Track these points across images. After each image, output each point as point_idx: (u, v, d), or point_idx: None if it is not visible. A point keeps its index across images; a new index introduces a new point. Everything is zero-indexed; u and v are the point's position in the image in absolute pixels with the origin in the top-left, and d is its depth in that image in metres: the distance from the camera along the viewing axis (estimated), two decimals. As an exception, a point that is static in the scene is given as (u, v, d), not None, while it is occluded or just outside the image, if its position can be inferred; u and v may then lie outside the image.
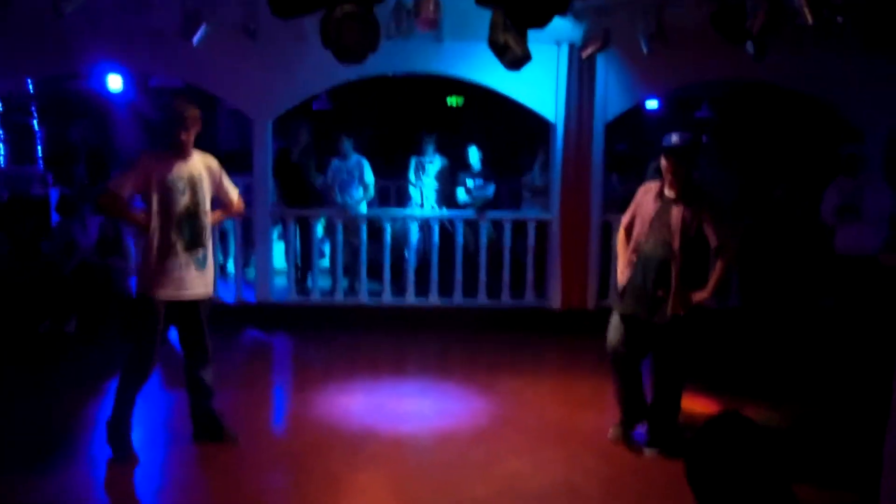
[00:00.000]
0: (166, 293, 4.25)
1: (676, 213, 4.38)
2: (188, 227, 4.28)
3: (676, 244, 4.36)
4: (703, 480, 1.81)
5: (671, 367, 4.54)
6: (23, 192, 9.45)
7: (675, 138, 4.39)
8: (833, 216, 6.58)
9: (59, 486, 4.10)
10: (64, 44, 6.76)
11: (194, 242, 4.30)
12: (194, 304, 4.37)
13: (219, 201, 4.58)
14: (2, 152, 10.94)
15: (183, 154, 4.30)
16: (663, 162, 4.42)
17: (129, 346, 4.35)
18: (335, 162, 7.86)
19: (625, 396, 4.68)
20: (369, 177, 7.78)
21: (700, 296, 4.41)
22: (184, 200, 4.25)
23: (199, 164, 4.38)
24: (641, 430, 4.71)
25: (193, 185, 4.30)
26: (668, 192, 4.47)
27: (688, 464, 1.87)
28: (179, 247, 4.25)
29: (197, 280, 4.34)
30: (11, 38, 6.87)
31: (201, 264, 4.35)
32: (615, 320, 4.64)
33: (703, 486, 1.81)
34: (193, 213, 4.30)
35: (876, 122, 7.36)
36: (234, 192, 4.64)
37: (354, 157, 7.83)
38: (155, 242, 4.23)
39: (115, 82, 9.38)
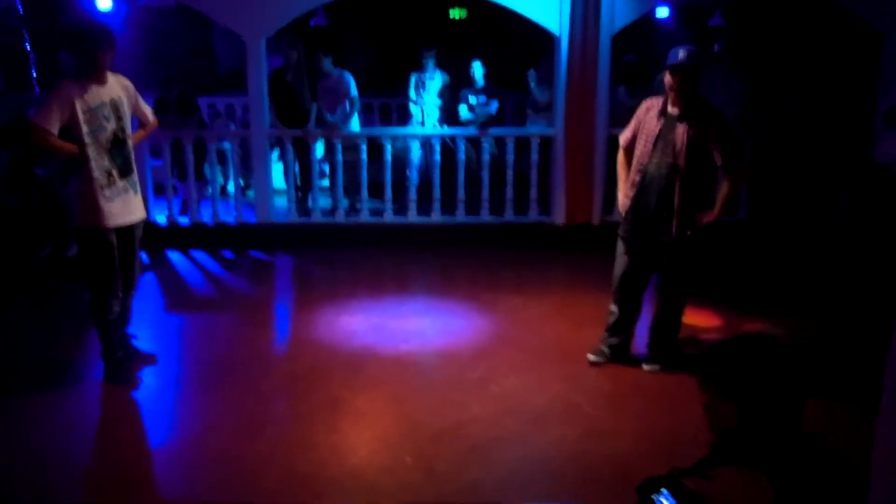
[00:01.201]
0: (114, 221, 4.22)
1: (681, 130, 4.21)
2: (119, 153, 4.23)
3: (682, 163, 4.20)
4: (728, 386, 1.80)
5: (675, 286, 4.50)
6: (20, 116, 9.28)
7: (681, 54, 4.15)
8: (882, 123, 6.32)
9: (61, 409, 4.16)
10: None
11: (127, 168, 4.29)
12: (130, 229, 4.36)
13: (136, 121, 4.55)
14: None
15: (101, 79, 4.16)
16: (667, 79, 4.21)
17: (90, 281, 4.31)
18: (320, 81, 7.64)
19: (618, 321, 4.63)
20: (354, 91, 7.54)
21: (707, 217, 4.30)
22: (111, 126, 4.18)
23: (117, 87, 4.26)
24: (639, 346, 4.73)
25: (116, 110, 4.22)
26: (671, 110, 4.28)
27: (712, 369, 1.85)
28: (115, 174, 4.21)
29: (135, 204, 4.36)
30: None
31: (135, 188, 4.35)
32: (620, 248, 4.54)
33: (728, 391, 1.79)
34: (121, 138, 4.24)
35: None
36: (149, 110, 4.59)
37: (336, 73, 7.57)
38: (93, 173, 4.14)
39: (104, 2, 9.06)
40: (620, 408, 4.19)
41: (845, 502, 1.67)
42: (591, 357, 4.70)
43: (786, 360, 1.80)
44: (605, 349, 4.69)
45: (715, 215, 4.29)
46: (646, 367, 4.61)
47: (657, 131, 4.28)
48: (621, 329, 4.66)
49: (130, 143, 4.33)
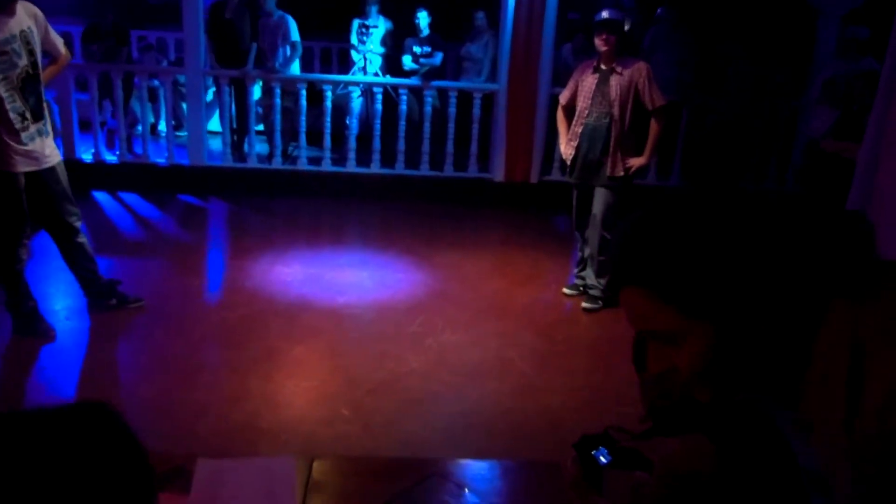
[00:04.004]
0: (26, 166, 3.92)
1: (614, 81, 4.67)
2: (32, 92, 3.89)
3: (616, 111, 4.68)
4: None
5: (606, 224, 4.82)
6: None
7: (604, 13, 4.68)
8: (815, 97, 6.48)
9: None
10: None
11: (40, 109, 3.95)
12: (50, 172, 4.06)
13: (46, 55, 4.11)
14: None
15: (10, 10, 3.77)
16: (595, 38, 4.68)
17: None
18: (260, 20, 7.38)
19: (582, 258, 5.10)
20: (295, 35, 7.31)
21: (637, 161, 4.76)
22: (21, 63, 3.81)
23: (25, 16, 3.86)
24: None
25: (27, 43, 3.84)
26: (604, 66, 4.74)
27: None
28: (29, 116, 3.88)
29: (49, 148, 4.05)
30: None
31: (47, 132, 4.04)
32: (574, 193, 5.00)
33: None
34: (33, 75, 3.88)
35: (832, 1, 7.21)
36: (60, 42, 4.18)
37: (277, 14, 7.32)
38: (6, 115, 3.80)
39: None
40: (553, 364, 4.31)
41: (780, 462, 1.76)
42: (565, 290, 5.17)
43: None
44: (578, 282, 5.13)
45: (645, 159, 4.79)
46: (584, 305, 4.97)
47: (594, 86, 4.75)
48: (585, 265, 5.09)
49: (41, 81, 3.97)
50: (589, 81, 4.76)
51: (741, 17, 9.20)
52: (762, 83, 7.25)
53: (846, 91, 5.99)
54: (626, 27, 4.70)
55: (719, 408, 1.83)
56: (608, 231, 4.84)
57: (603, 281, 4.89)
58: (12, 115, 3.83)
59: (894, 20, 2.05)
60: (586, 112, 4.77)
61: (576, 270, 5.20)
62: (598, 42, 4.68)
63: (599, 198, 4.83)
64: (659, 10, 8.50)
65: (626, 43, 4.76)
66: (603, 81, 4.71)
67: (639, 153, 4.78)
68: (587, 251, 5.03)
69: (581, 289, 5.10)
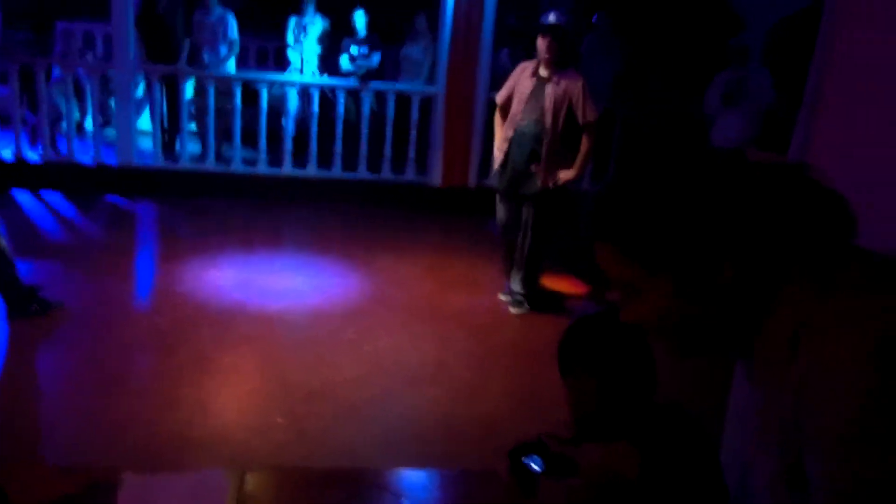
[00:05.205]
0: None
1: (549, 91, 4.60)
2: None
3: (548, 121, 4.61)
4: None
5: (533, 237, 4.84)
6: None
7: (551, 17, 4.59)
8: (716, 107, 6.71)
9: None
10: None
11: None
12: None
13: None
14: None
15: None
16: (539, 41, 4.60)
17: None
18: (197, 15, 7.21)
19: (509, 264, 5.07)
20: (234, 33, 7.19)
21: (567, 174, 4.71)
22: None
23: None
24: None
25: None
26: (542, 72, 4.65)
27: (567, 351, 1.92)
28: None
29: None
30: None
31: None
32: (497, 199, 4.95)
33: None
34: None
35: (760, 10, 7.48)
36: None
37: (218, 11, 7.18)
38: None
39: None
40: (488, 368, 4.34)
41: (700, 462, 1.81)
42: (501, 296, 5.14)
43: (631, 337, 1.90)
44: (512, 289, 5.10)
45: (574, 173, 4.73)
46: (512, 310, 5.01)
47: (529, 91, 4.66)
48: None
49: None
50: (525, 85, 4.69)
51: (670, 26, 9.46)
52: (683, 93, 7.45)
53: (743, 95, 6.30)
54: (570, 32, 4.66)
55: (643, 412, 1.88)
56: (539, 242, 4.85)
57: (523, 288, 4.96)
58: None
59: (820, 26, 2.14)
60: (519, 116, 4.70)
61: (508, 278, 5.15)
62: (540, 46, 4.58)
63: (530, 209, 4.79)
64: (594, 17, 8.67)
65: (568, 52, 4.72)
66: (539, 89, 4.65)
67: (569, 165, 4.73)
68: (509, 257, 5.00)
69: (512, 297, 5.10)
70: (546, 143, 4.63)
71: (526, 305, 5.00)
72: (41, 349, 4.20)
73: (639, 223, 1.06)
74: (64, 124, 7.14)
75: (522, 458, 1.92)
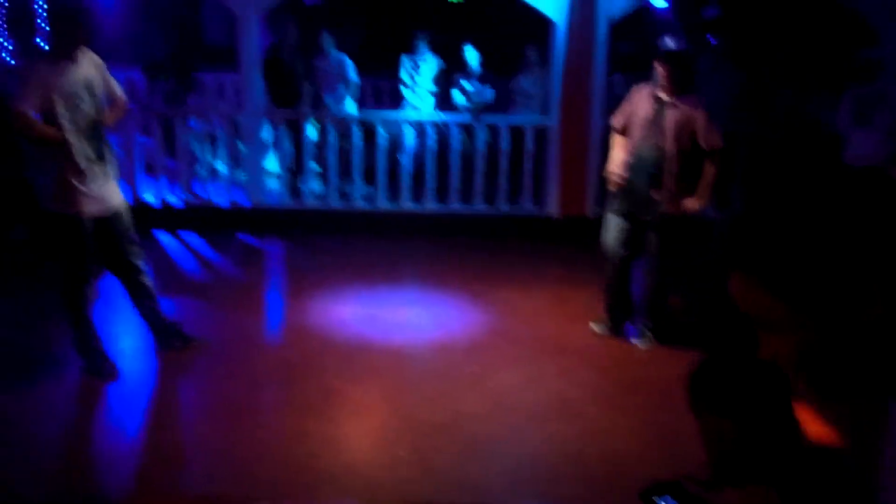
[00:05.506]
0: (91, 208, 4.03)
1: (671, 116, 4.48)
2: (96, 136, 4.02)
3: (670, 147, 4.47)
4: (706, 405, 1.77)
5: (658, 265, 4.70)
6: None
7: (669, 43, 4.51)
8: (848, 124, 6.29)
9: (39, 401, 4.05)
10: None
11: (105, 152, 4.08)
12: (115, 214, 4.17)
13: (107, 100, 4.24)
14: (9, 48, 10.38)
15: (73, 57, 3.92)
16: (659, 67, 4.48)
17: (61, 268, 4.14)
18: (317, 60, 7.55)
19: (613, 294, 4.89)
20: (352, 75, 7.47)
21: (693, 203, 4.56)
22: (86, 109, 3.96)
23: (89, 65, 4.02)
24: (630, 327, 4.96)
25: (91, 90, 3.99)
26: (662, 95, 4.52)
27: (691, 393, 1.82)
28: (94, 159, 4.01)
29: (113, 191, 4.17)
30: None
31: (112, 175, 4.16)
32: (611, 220, 4.81)
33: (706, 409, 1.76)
34: (98, 120, 4.03)
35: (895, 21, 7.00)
36: (119, 88, 4.31)
37: (336, 55, 7.50)
38: (75, 158, 3.93)
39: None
40: (618, 405, 4.19)
41: None
42: (593, 326, 4.98)
43: (770, 378, 1.76)
44: (608, 320, 4.96)
45: (699, 202, 4.56)
46: (635, 341, 4.85)
47: (648, 115, 4.54)
48: (617, 301, 4.91)
49: (105, 125, 4.12)
50: (644, 109, 4.57)
51: (797, 43, 9.01)
52: (818, 111, 7.04)
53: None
54: (690, 57, 4.54)
55: (786, 456, 1.73)
56: (665, 271, 4.70)
57: (650, 323, 4.82)
58: (79, 160, 3.95)
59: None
60: (638, 141, 4.57)
61: (606, 306, 4.96)
62: (660, 73, 4.48)
63: (654, 237, 4.66)
64: (708, 37, 8.40)
65: (688, 77, 4.55)
66: (659, 113, 4.51)
67: (692, 191, 4.54)
68: (615, 282, 4.83)
69: (608, 326, 4.94)
70: (668, 168, 4.50)
71: (652, 337, 4.83)
72: (181, 381, 4.43)
73: (780, 254, 0.99)
74: (200, 169, 7.61)
75: (655, 499, 1.82)
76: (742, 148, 7.14)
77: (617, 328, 4.94)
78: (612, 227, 4.79)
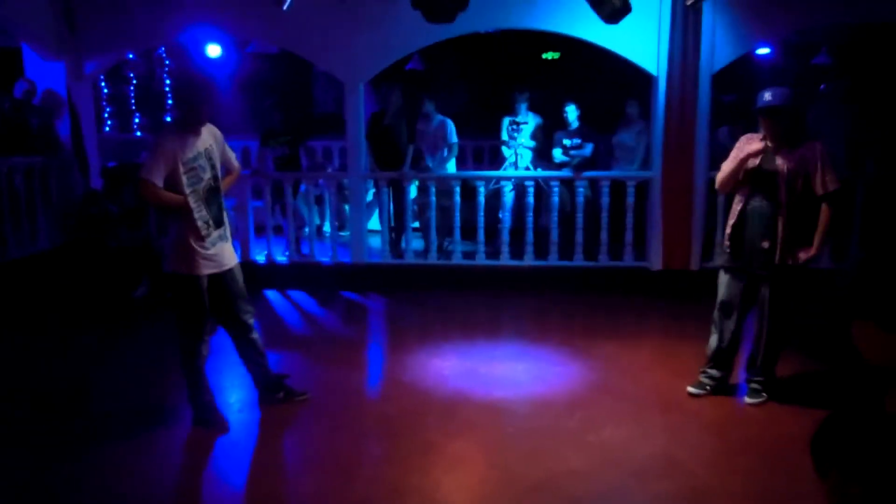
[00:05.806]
0: (208, 269, 4.27)
1: (781, 163, 4.29)
2: (214, 202, 4.28)
3: (782, 196, 4.29)
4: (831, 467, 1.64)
5: (774, 319, 4.47)
6: (130, 160, 9.86)
7: (766, 96, 4.26)
8: None
9: (153, 450, 4.22)
10: (160, 16, 6.93)
11: (221, 216, 4.34)
12: (229, 273, 4.39)
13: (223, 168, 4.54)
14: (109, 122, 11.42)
15: (197, 131, 4.23)
16: (761, 121, 4.33)
17: (179, 326, 4.36)
18: (420, 124, 7.80)
19: (718, 352, 4.67)
20: (453, 136, 7.70)
21: (807, 253, 4.34)
22: (206, 176, 4.23)
23: (208, 136, 4.31)
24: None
25: (210, 159, 4.27)
26: (769, 144, 4.37)
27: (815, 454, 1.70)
28: (212, 223, 4.26)
29: (228, 252, 4.40)
30: (108, 14, 7.10)
31: (228, 237, 4.40)
32: (722, 279, 4.62)
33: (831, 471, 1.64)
34: (215, 187, 4.29)
35: None
36: (234, 157, 4.62)
37: (438, 119, 7.75)
38: (195, 223, 4.19)
39: (213, 49, 9.63)
40: (727, 465, 3.96)
41: None
42: (691, 389, 4.74)
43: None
44: (706, 381, 4.72)
45: (815, 251, 4.33)
46: (747, 400, 4.62)
47: (758, 164, 4.35)
48: (721, 360, 4.69)
49: (222, 191, 4.40)
50: (753, 160, 4.39)
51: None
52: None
53: None
54: (793, 109, 4.25)
55: None
56: (778, 324, 4.48)
57: (762, 379, 4.60)
58: (199, 224, 4.23)
59: None
60: (749, 190, 4.41)
61: (706, 366, 4.76)
62: (763, 127, 4.35)
63: (767, 289, 4.45)
64: (822, 87, 8.13)
65: (793, 128, 4.31)
66: (768, 161, 4.34)
67: (807, 240, 4.33)
68: (724, 341, 4.62)
69: (707, 388, 4.70)
70: (782, 217, 4.30)
71: (764, 394, 4.59)
72: (286, 435, 4.54)
73: None
74: (307, 229, 7.95)
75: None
76: (859, 195, 6.80)
77: (720, 386, 4.72)
78: (723, 282, 4.61)
